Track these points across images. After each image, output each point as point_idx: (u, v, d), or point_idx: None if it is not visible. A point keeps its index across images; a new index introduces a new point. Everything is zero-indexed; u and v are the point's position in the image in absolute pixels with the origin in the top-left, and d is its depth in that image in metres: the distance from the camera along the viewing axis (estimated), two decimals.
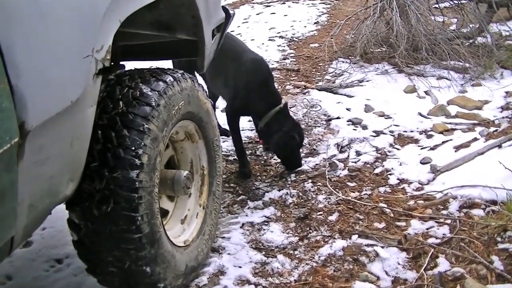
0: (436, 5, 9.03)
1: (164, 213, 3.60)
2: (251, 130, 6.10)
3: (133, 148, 2.82)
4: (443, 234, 4.10)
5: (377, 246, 4.04)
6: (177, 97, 3.20)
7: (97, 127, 2.79)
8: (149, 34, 3.68)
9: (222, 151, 5.54)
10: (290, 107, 6.54)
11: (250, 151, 5.67)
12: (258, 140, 5.83)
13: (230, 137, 5.81)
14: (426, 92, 7.12)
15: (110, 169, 2.79)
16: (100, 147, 2.80)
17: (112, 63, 4.15)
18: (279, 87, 7.29)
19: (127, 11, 2.79)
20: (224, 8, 4.33)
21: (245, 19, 11.56)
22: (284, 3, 12.81)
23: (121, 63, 4.21)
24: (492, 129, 5.80)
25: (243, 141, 5.75)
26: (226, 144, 5.81)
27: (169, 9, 3.46)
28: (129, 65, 4.26)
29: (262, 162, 5.52)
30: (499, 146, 4.97)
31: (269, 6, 12.67)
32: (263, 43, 9.66)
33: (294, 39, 10.02)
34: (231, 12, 4.40)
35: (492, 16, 8.47)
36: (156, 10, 3.27)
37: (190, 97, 3.39)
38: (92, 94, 2.55)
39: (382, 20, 8.55)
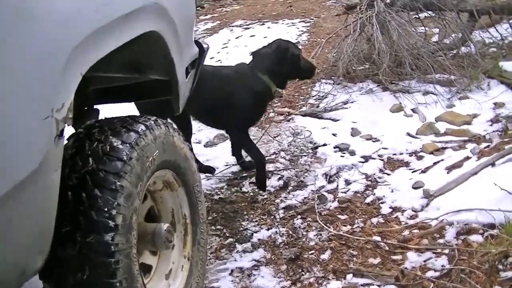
0: (417, 16, 8.89)
1: (147, 269, 3.39)
2: (235, 164, 5.91)
3: (106, 209, 2.62)
4: (442, 266, 3.93)
5: (373, 285, 3.87)
6: (151, 147, 3.01)
7: (67, 188, 2.59)
8: (121, 77, 3.55)
9: (207, 190, 5.38)
10: (274, 136, 6.46)
11: (235, 188, 5.50)
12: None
13: (215, 174, 5.75)
14: (413, 110, 6.95)
15: (83, 234, 2.59)
16: (70, 210, 2.60)
17: (86, 108, 4.02)
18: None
19: (88, 63, 2.60)
20: (197, 42, 4.17)
21: (225, 44, 11.36)
22: (263, 24, 12.63)
23: (95, 107, 4.07)
24: (483, 145, 5.64)
25: (228, 177, 5.61)
26: (210, 182, 5.63)
27: (139, 51, 3.29)
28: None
29: (249, 199, 5.32)
30: (493, 164, 4.82)
31: (249, 28, 12.49)
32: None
33: None
34: (204, 46, 4.24)
35: (474, 25, 8.36)
36: (125, 52, 3.08)
37: (165, 145, 3.20)
38: (55, 157, 2.36)
39: (363, 37, 8.37)
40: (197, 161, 5.59)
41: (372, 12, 7.95)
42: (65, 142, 2.73)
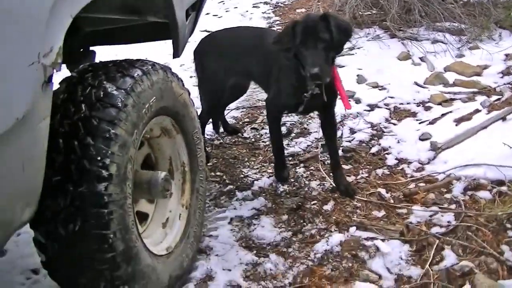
0: None
1: (144, 217, 3.29)
2: (237, 109, 5.76)
3: (99, 158, 2.50)
4: (448, 222, 3.80)
5: (377, 239, 3.74)
6: (147, 93, 2.86)
7: (58, 135, 2.48)
8: (118, 19, 3.37)
9: (207, 134, 5.23)
10: None
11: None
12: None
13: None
14: (421, 59, 6.77)
15: (75, 183, 2.48)
16: (62, 159, 2.48)
17: (82, 50, 3.88)
18: None
19: (79, 3, 2.43)
20: None
21: None
22: None
23: (91, 49, 3.94)
24: (493, 97, 5.47)
25: (229, 121, 5.44)
26: (210, 127, 5.44)
27: None
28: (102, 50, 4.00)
29: (250, 145, 5.19)
30: (503, 119, 4.66)
31: None
32: (247, 11, 9.28)
33: (280, 4, 9.64)
34: None
35: None
36: None
37: (163, 91, 3.05)
38: (43, 105, 2.20)
39: None
40: (224, 121, 5.44)
41: None
42: (57, 87, 2.60)
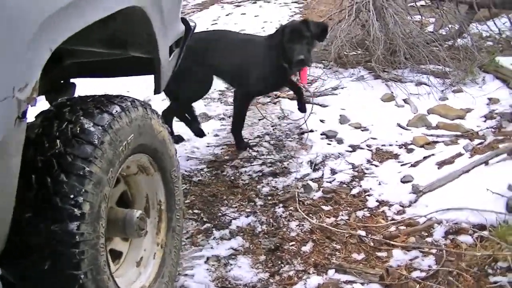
0: (413, 4, 8.70)
1: (117, 255, 3.21)
2: (218, 146, 5.73)
3: (72, 196, 2.42)
4: (429, 266, 3.78)
5: (356, 283, 3.70)
6: (126, 130, 2.80)
7: (31, 171, 2.40)
8: (101, 52, 3.32)
9: (186, 171, 5.19)
10: (259, 119, 6.38)
11: (216, 171, 5.33)
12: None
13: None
14: (404, 100, 6.77)
15: (46, 222, 2.40)
16: (33, 195, 2.40)
17: (62, 81, 3.83)
18: None
19: (60, 37, 2.37)
20: (184, 20, 3.97)
21: (214, 20, 11.19)
22: (255, 3, 12.50)
23: (72, 81, 3.89)
24: (476, 141, 5.46)
25: (209, 159, 5.44)
26: (190, 163, 5.45)
27: (120, 26, 3.08)
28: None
29: (229, 183, 5.12)
30: (486, 163, 4.64)
31: (240, 6, 12.36)
32: None
33: None
34: (191, 24, 4.04)
35: (472, 17, 8.20)
36: (106, 27, 2.87)
37: (142, 128, 2.99)
38: (15, 141, 2.13)
39: (358, 23, 8.17)
40: (191, 120, 5.84)
41: None
42: (33, 120, 2.55)
